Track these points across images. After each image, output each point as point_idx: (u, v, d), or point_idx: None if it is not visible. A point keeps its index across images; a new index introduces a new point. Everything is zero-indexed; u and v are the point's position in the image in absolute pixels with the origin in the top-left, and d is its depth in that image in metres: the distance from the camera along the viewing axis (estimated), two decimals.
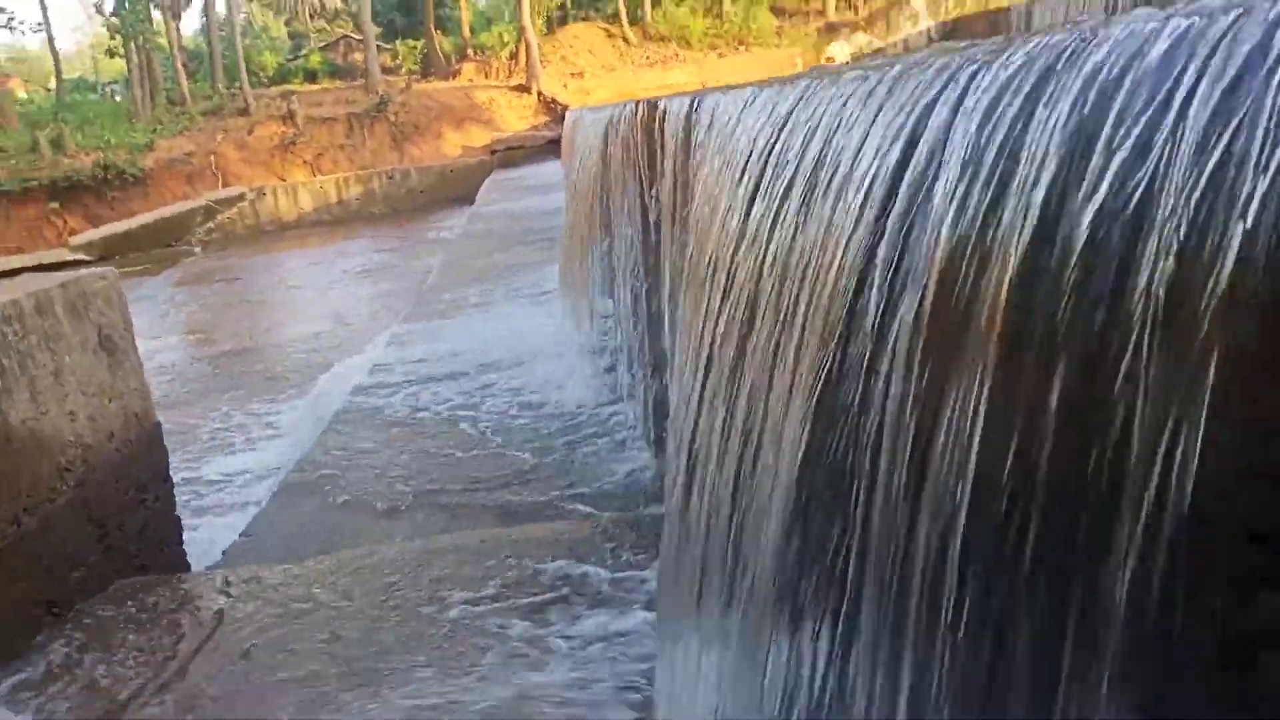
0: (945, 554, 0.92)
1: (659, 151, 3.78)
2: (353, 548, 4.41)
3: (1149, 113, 0.78)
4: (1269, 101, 0.70)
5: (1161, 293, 0.72)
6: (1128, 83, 0.82)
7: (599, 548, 3.60)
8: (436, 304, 10.26)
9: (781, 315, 1.41)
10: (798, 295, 1.35)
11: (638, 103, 4.82)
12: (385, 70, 34.37)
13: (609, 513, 4.55)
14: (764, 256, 1.55)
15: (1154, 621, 0.74)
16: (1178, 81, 0.77)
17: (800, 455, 1.26)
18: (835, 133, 1.35)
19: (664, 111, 3.80)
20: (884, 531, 1.05)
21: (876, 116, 1.20)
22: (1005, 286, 0.87)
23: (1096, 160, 0.81)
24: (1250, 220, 0.65)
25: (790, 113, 1.57)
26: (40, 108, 33.50)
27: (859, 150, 1.21)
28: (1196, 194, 0.71)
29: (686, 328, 2.25)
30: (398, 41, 39.15)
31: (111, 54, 34.06)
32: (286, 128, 28.77)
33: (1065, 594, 0.82)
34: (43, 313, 3.76)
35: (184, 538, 4.95)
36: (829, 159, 1.34)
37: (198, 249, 23.37)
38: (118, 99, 36.45)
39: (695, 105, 3.05)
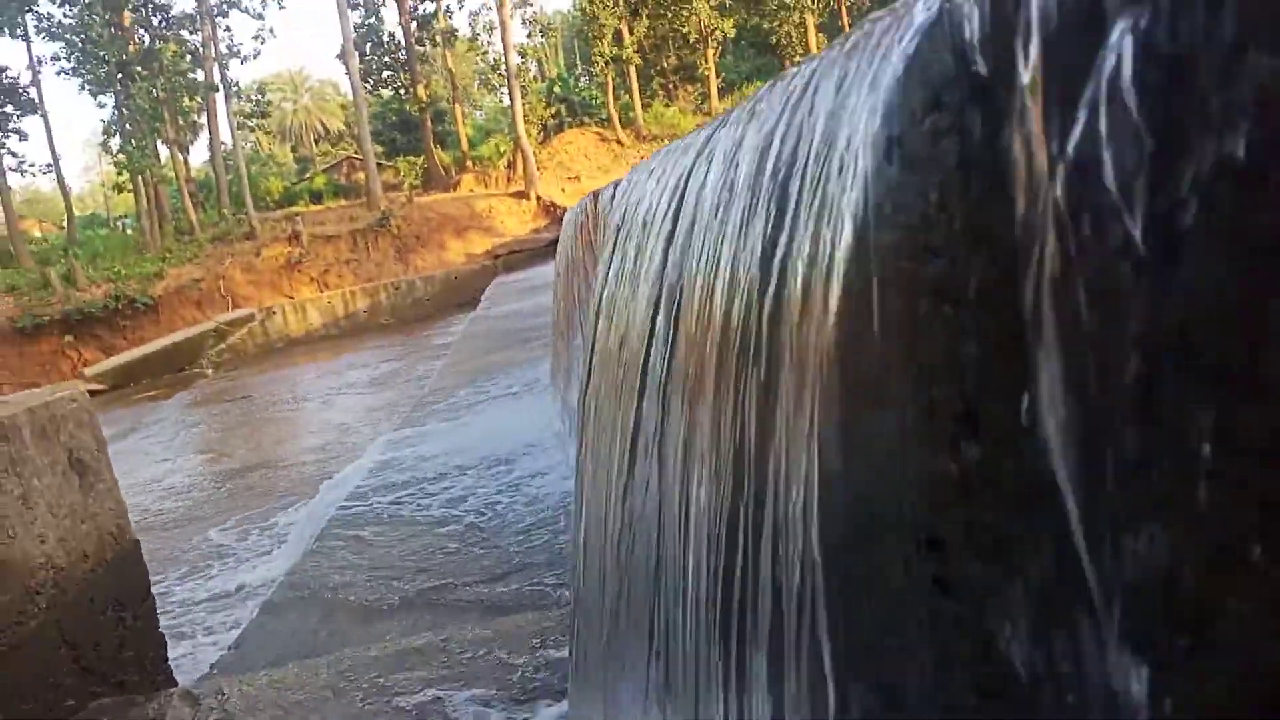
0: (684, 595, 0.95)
1: (597, 237, 3.88)
2: (336, 651, 4.42)
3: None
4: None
5: (793, 322, 0.76)
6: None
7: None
8: (432, 407, 10.38)
9: (618, 378, 1.46)
10: (620, 356, 1.40)
11: (590, 193, 4.95)
12: (388, 187, 35.25)
13: None
14: (610, 324, 1.60)
15: (807, 636, 0.76)
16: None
17: (618, 520, 1.28)
18: (646, 199, 1.41)
19: (600, 197, 3.92)
20: (673, 578, 1.07)
21: (665, 180, 1.27)
22: (717, 328, 0.92)
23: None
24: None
25: (631, 185, 1.64)
26: (53, 245, 34.38)
27: (651, 221, 1.27)
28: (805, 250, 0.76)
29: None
30: (399, 159, 40.22)
31: (120, 189, 35.03)
32: (292, 247, 29.40)
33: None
34: (7, 439, 3.83)
35: (176, 655, 4.97)
36: (636, 229, 1.40)
37: (210, 370, 23.77)
38: (129, 232, 37.37)
39: (614, 188, 3.15)
